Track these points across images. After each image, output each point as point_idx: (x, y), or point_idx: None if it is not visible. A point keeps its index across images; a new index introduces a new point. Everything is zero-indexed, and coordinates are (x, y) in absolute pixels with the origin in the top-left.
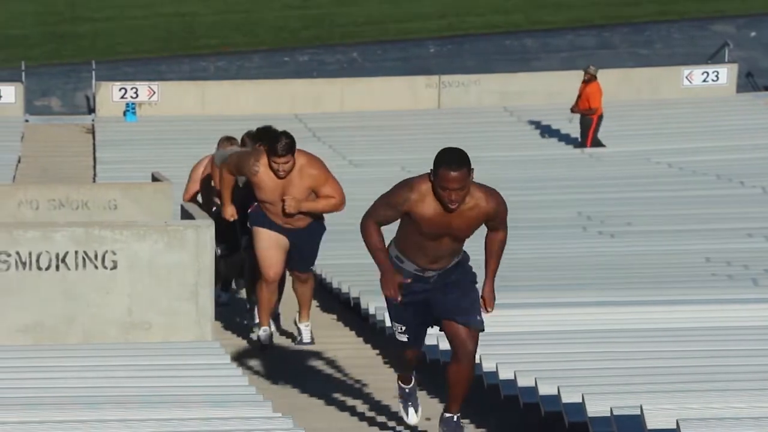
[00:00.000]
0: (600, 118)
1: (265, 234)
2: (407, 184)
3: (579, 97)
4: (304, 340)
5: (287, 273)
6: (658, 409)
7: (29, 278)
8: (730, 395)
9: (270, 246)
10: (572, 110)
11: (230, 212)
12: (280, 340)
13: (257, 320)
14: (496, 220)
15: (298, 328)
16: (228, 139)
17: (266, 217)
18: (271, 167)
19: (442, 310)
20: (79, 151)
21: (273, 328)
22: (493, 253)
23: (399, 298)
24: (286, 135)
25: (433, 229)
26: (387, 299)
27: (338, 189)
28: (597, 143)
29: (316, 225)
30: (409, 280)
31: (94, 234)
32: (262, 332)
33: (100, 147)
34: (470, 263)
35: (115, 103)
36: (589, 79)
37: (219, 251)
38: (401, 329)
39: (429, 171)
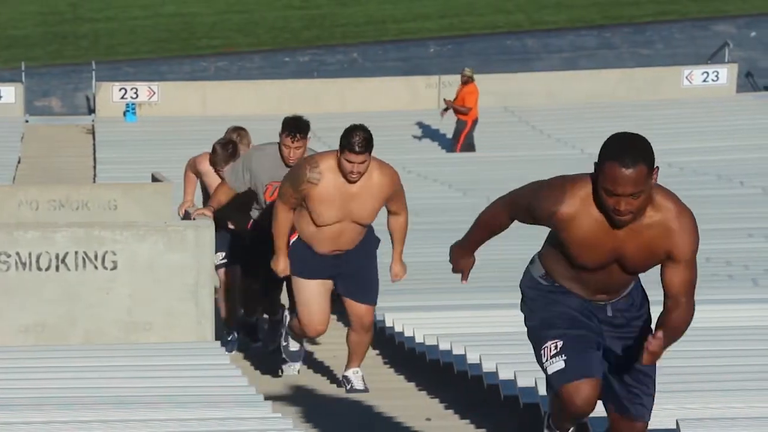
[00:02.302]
0: (474, 122)
1: (307, 286)
2: (557, 189)
3: (456, 98)
4: (356, 387)
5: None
6: (658, 408)
7: (29, 279)
8: (730, 395)
9: (312, 301)
10: (446, 105)
11: (282, 266)
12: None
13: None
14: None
15: (346, 377)
16: (236, 133)
17: (308, 257)
18: (342, 169)
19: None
20: (79, 151)
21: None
22: (667, 328)
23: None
24: (363, 128)
25: (592, 256)
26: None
27: (405, 201)
28: (469, 147)
29: (368, 240)
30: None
31: (94, 234)
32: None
33: (100, 147)
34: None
35: (115, 103)
36: (466, 81)
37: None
38: (556, 347)
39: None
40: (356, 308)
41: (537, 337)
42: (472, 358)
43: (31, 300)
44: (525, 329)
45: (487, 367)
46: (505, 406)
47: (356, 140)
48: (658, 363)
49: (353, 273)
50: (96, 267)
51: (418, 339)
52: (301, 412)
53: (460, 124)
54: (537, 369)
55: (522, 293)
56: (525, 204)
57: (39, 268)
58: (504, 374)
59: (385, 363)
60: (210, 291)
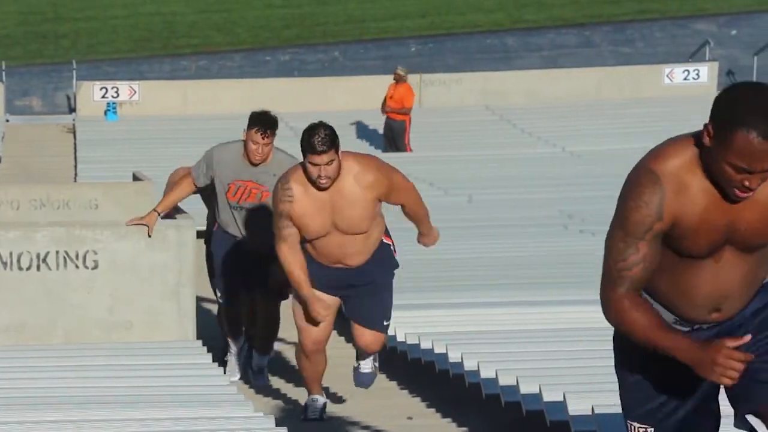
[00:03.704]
0: (410, 120)
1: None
2: (651, 174)
3: (388, 99)
4: (362, 369)
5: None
6: None
7: (10, 278)
8: None
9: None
10: (385, 112)
11: (320, 310)
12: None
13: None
14: None
15: (356, 367)
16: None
17: (313, 269)
18: (309, 178)
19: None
20: (59, 150)
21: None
22: None
23: None
24: (323, 125)
25: (710, 238)
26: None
27: (413, 189)
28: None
29: (382, 255)
30: None
31: (75, 234)
32: (311, 401)
33: (81, 146)
34: None
35: (95, 102)
36: (399, 80)
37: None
38: None
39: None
40: (363, 335)
41: (624, 404)
42: (453, 356)
43: (11, 299)
44: (506, 328)
45: (469, 365)
46: (486, 405)
47: (316, 139)
48: None
49: (363, 294)
50: (77, 266)
51: (400, 338)
52: (282, 412)
53: (400, 124)
54: (518, 367)
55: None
56: (627, 231)
57: (20, 268)
58: (485, 373)
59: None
60: (191, 290)
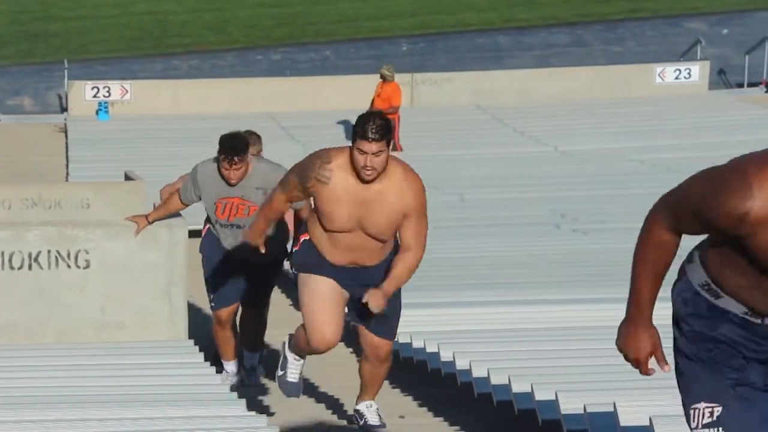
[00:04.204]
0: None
1: (313, 284)
2: (738, 181)
3: (376, 97)
4: (370, 423)
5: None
6: (632, 405)
7: (2, 278)
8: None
9: (321, 302)
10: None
11: (258, 238)
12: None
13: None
14: None
15: (359, 411)
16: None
17: (315, 256)
18: (354, 164)
19: None
20: (51, 150)
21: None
22: None
23: None
24: (379, 114)
25: None
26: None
27: (426, 232)
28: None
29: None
30: None
31: (67, 233)
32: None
33: (73, 146)
34: None
35: (87, 102)
36: (386, 79)
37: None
38: (711, 414)
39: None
40: (370, 339)
41: (685, 386)
42: (445, 355)
43: (3, 299)
44: (498, 327)
45: (461, 364)
46: (478, 404)
47: (370, 126)
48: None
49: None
50: (69, 266)
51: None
52: (274, 410)
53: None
54: (510, 366)
55: (675, 311)
56: (691, 210)
57: (12, 267)
58: (477, 372)
59: (359, 361)
60: (183, 290)
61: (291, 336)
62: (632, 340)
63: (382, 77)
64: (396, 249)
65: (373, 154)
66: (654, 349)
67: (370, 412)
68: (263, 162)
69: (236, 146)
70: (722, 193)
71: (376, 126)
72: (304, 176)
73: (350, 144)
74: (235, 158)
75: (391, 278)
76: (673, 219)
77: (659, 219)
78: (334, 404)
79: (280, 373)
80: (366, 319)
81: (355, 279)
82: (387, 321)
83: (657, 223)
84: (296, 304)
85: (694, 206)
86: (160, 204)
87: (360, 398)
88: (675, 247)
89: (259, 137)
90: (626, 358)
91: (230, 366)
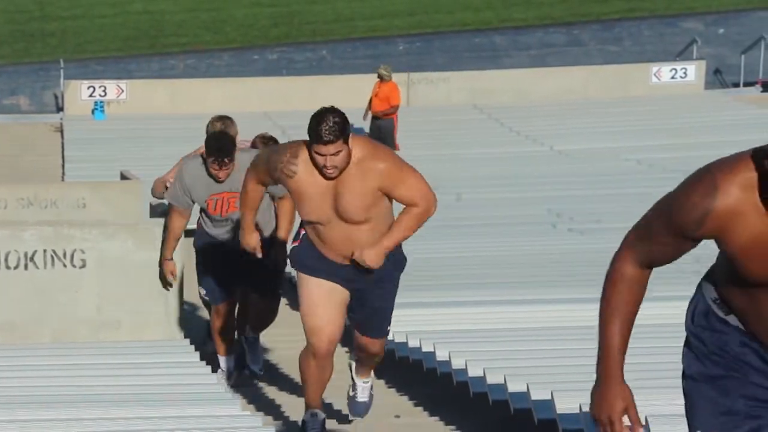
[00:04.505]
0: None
1: (313, 285)
2: (703, 178)
3: (374, 97)
4: (358, 398)
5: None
6: None
7: None
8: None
9: (320, 302)
10: (374, 113)
11: (253, 241)
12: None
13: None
14: None
15: (354, 383)
16: (221, 122)
17: (314, 254)
18: (314, 163)
19: None
20: (47, 149)
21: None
22: None
23: None
24: (332, 111)
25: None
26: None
27: (421, 185)
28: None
29: (391, 256)
30: None
31: (63, 233)
32: (310, 416)
33: (69, 145)
34: None
35: (83, 101)
36: (383, 78)
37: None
38: None
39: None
40: (366, 340)
41: (690, 409)
42: (441, 355)
43: (0, 299)
44: (494, 327)
45: (456, 364)
46: (474, 403)
47: (323, 128)
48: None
49: (364, 299)
50: (65, 265)
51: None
52: (269, 410)
53: (387, 122)
54: (506, 366)
55: (687, 326)
56: (658, 225)
57: (8, 267)
58: (473, 371)
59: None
60: (179, 289)
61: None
62: (603, 401)
63: (380, 77)
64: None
65: (331, 155)
66: (627, 406)
67: (363, 388)
68: (245, 152)
69: (224, 147)
70: (687, 193)
71: (329, 127)
72: (272, 165)
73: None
74: (225, 159)
75: (392, 231)
76: (641, 247)
77: (624, 254)
78: (330, 404)
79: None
80: (361, 320)
81: (356, 278)
82: (381, 320)
83: (622, 258)
84: (292, 304)
85: (662, 217)
86: (165, 236)
87: (358, 372)
88: (644, 283)
89: (232, 121)
90: (597, 421)
91: (224, 362)
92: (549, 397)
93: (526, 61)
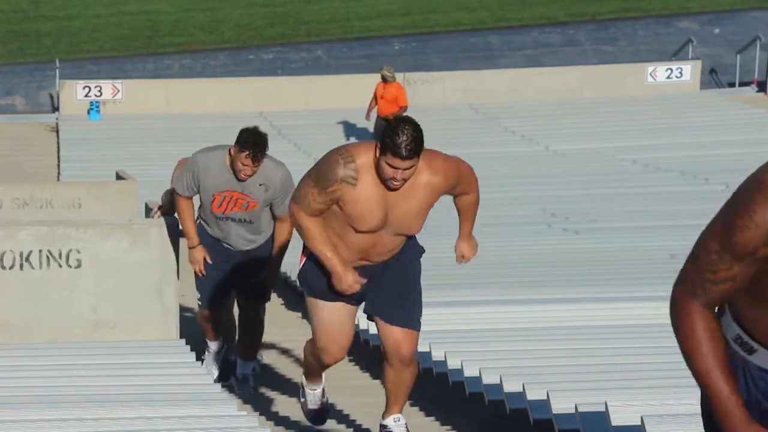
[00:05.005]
0: None
1: (323, 309)
2: (757, 188)
3: (380, 99)
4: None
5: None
6: (623, 405)
7: None
8: (694, 392)
9: (334, 321)
10: (380, 115)
11: (351, 280)
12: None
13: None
14: None
15: (385, 427)
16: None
17: (321, 275)
18: (380, 172)
19: None
20: (43, 149)
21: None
22: None
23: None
24: (412, 124)
25: None
26: None
27: (470, 173)
28: None
29: (410, 249)
30: None
31: (59, 233)
32: (310, 390)
33: (64, 145)
34: None
35: (79, 101)
36: (387, 80)
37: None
38: None
39: None
40: (390, 333)
41: None
42: (437, 355)
43: None
44: (490, 327)
45: (452, 364)
46: (470, 403)
47: (403, 141)
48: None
49: (387, 286)
50: (60, 265)
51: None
52: (266, 410)
53: None
54: (501, 366)
55: None
56: (719, 252)
57: (3, 267)
58: (469, 371)
59: (351, 360)
60: (175, 289)
61: (303, 358)
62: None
63: (383, 79)
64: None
65: (404, 169)
66: None
67: (398, 427)
68: (268, 159)
69: (261, 143)
70: (747, 207)
71: (410, 141)
72: (325, 180)
73: (373, 143)
74: (259, 155)
75: (465, 219)
76: (702, 289)
77: (687, 302)
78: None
79: (301, 400)
80: (383, 310)
81: (369, 280)
82: (407, 305)
83: (687, 309)
84: (287, 304)
85: (723, 243)
86: (183, 225)
87: (386, 412)
88: (717, 326)
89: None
90: None
91: (213, 345)
92: (545, 397)
93: (522, 61)
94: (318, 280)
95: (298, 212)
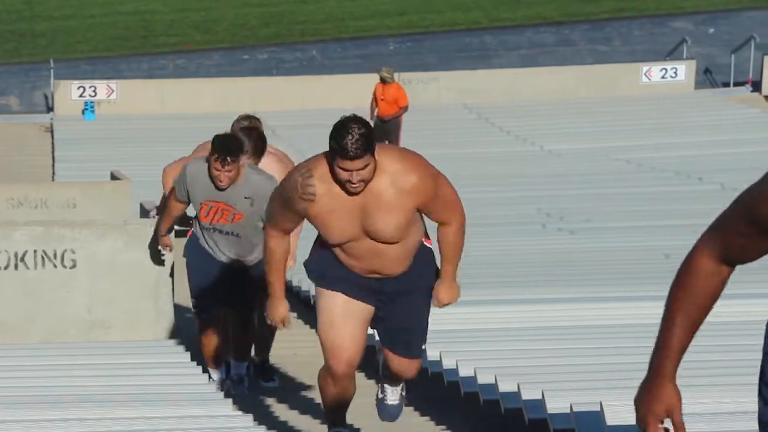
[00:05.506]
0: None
1: (332, 300)
2: None
3: (380, 100)
4: (388, 401)
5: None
6: (618, 405)
7: None
8: (689, 390)
9: (339, 320)
10: (382, 116)
11: (281, 314)
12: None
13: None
14: None
15: (382, 387)
16: (248, 121)
17: (332, 262)
18: (336, 179)
19: None
20: (37, 149)
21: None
22: None
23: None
24: (357, 122)
25: None
26: None
27: (454, 197)
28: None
29: (424, 259)
30: None
31: (53, 233)
32: None
33: (59, 145)
34: None
35: (73, 101)
36: (386, 81)
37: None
38: None
39: None
40: (395, 362)
41: None
42: (432, 355)
43: None
44: (485, 326)
45: (447, 364)
46: (465, 403)
47: (349, 141)
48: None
49: (393, 314)
50: (55, 265)
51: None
52: (261, 410)
53: (394, 123)
54: (496, 366)
55: (764, 352)
56: (741, 214)
57: None
58: (464, 371)
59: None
60: (170, 289)
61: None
62: (647, 398)
63: (382, 80)
64: (422, 249)
65: (358, 170)
66: (671, 409)
67: (393, 390)
68: (255, 171)
69: (230, 147)
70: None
71: (356, 140)
72: (287, 201)
73: (326, 152)
74: (228, 159)
75: (448, 258)
76: (721, 239)
77: (698, 247)
78: (318, 403)
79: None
80: (390, 340)
81: (381, 291)
82: (411, 336)
83: (696, 252)
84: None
85: (740, 207)
86: (163, 216)
87: (387, 378)
88: (720, 280)
89: (259, 120)
90: (637, 417)
91: (216, 374)
92: (540, 397)
93: (516, 61)
94: (328, 265)
95: (269, 231)
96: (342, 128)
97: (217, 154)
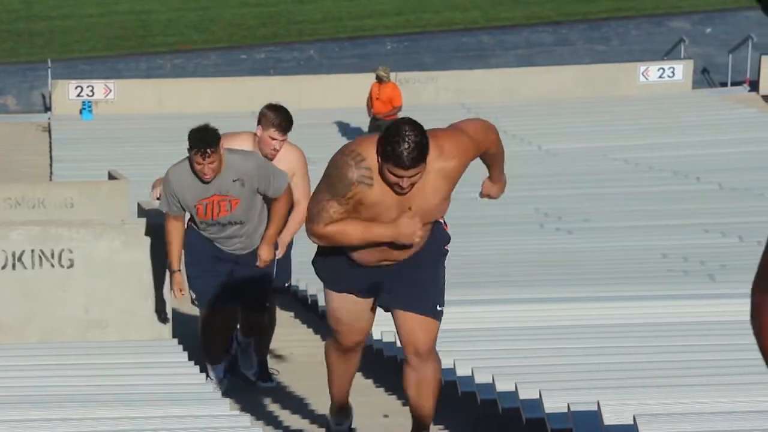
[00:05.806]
0: None
1: (338, 300)
2: None
3: (375, 99)
4: None
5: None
6: (616, 404)
7: None
8: (687, 391)
9: (352, 318)
10: (376, 115)
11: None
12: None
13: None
14: None
15: None
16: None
17: (333, 263)
18: (385, 179)
19: None
20: (35, 149)
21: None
22: None
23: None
24: (412, 126)
25: None
26: None
27: (488, 133)
28: None
29: (431, 243)
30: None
31: (51, 233)
32: (335, 423)
33: (57, 145)
34: None
35: (71, 101)
36: (383, 80)
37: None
38: None
39: None
40: (405, 322)
41: None
42: None
43: None
44: (482, 326)
45: (445, 363)
46: (462, 403)
47: (405, 150)
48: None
49: (401, 276)
50: (52, 265)
51: (375, 336)
52: (257, 410)
53: (389, 122)
54: (494, 365)
55: None
56: None
57: None
58: (461, 371)
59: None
60: (167, 289)
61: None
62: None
63: (378, 79)
64: (436, 223)
65: (409, 177)
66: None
67: None
68: (233, 153)
69: (207, 138)
70: None
71: (412, 149)
72: (341, 188)
73: (375, 138)
74: (207, 150)
75: (493, 166)
76: None
77: (761, 304)
78: (318, 402)
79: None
80: (400, 298)
81: (385, 276)
82: (425, 293)
83: (763, 312)
84: (281, 304)
85: None
86: (168, 246)
87: None
88: None
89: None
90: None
91: (213, 372)
92: (537, 396)
93: (514, 61)
94: (333, 269)
95: (320, 230)
96: (397, 134)
97: (195, 148)
